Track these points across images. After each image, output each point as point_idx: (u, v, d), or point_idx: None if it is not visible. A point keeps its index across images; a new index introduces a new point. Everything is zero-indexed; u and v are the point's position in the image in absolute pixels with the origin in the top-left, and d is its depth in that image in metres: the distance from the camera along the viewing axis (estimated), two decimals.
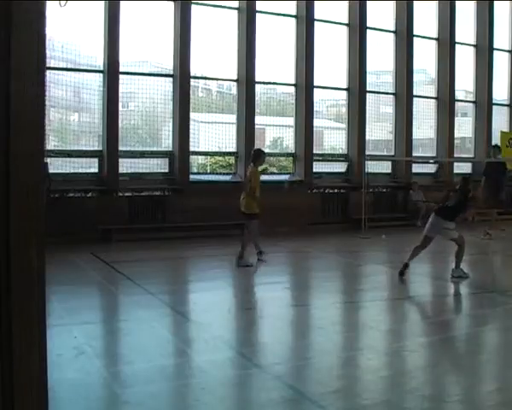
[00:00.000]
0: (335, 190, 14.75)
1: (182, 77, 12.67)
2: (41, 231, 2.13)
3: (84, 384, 4.29)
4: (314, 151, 14.38)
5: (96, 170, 12.29)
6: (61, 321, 5.81)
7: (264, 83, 14.09)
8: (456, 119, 16.80)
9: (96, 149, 12.30)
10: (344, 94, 15.11)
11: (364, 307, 7.09)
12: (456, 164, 16.69)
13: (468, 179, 8.80)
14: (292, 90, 14.35)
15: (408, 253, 8.29)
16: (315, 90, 14.28)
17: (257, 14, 13.41)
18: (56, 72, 11.62)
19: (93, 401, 4.06)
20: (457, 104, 16.99)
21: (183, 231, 12.22)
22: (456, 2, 16.27)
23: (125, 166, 12.43)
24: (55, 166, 11.70)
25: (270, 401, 4.01)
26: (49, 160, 11.13)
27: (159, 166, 13.03)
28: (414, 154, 15.97)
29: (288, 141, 14.66)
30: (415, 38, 15.56)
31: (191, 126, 12.97)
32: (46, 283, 2.18)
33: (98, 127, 12.34)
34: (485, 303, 7.27)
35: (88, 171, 12.37)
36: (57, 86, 11.69)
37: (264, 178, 14.10)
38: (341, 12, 14.73)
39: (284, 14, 14.04)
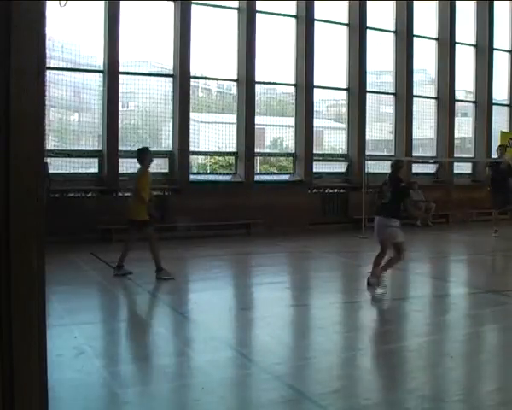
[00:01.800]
0: (335, 190, 14.75)
1: (182, 77, 12.66)
2: (41, 231, 2.13)
3: (84, 384, 4.29)
4: (314, 151, 14.38)
5: (96, 170, 12.28)
6: (61, 321, 5.81)
7: (264, 83, 14.09)
8: (456, 119, 16.80)
9: (96, 149, 12.30)
10: (344, 94, 15.11)
11: (364, 307, 7.09)
12: (456, 164, 16.70)
13: (398, 164, 7.68)
14: (292, 90, 14.35)
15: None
16: (315, 90, 14.28)
17: (257, 14, 13.41)
18: (56, 72, 11.61)
19: (93, 401, 4.05)
20: (457, 104, 16.99)
21: (182, 230, 12.20)
22: (456, 2, 16.27)
23: (125, 166, 12.41)
24: (55, 166, 11.69)
25: (270, 401, 4.01)
26: (49, 160, 11.13)
27: (159, 166, 13.02)
28: (414, 154, 15.97)
29: (288, 141, 14.66)
30: (415, 38, 15.56)
31: (191, 126, 12.96)
32: (46, 283, 2.18)
33: (98, 127, 12.34)
34: (485, 303, 7.27)
35: (88, 171, 12.36)
36: (57, 86, 11.69)
37: (264, 178, 14.22)
38: (341, 12, 14.73)
39: (284, 14, 14.04)
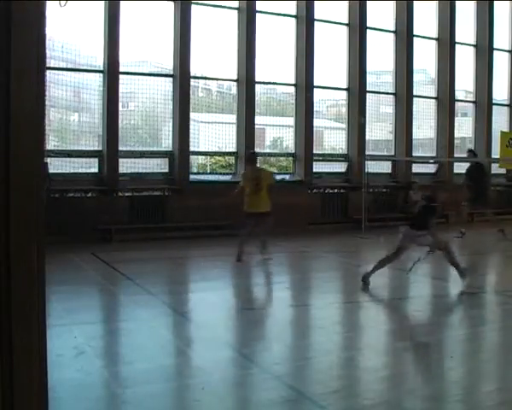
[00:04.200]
0: (335, 190, 14.74)
1: (182, 77, 12.66)
2: (41, 231, 2.13)
3: (84, 384, 4.29)
4: (314, 151, 14.37)
5: (96, 170, 12.28)
6: (61, 321, 5.81)
7: (264, 83, 14.09)
8: (456, 119, 16.80)
9: (96, 149, 12.30)
10: (344, 94, 15.10)
11: (364, 307, 7.09)
12: (456, 164, 16.69)
13: (438, 186, 8.19)
14: (292, 90, 14.34)
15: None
16: (315, 90, 14.28)
17: (257, 14, 13.41)
18: (56, 72, 11.61)
19: (93, 401, 4.05)
20: (457, 104, 16.98)
21: (182, 230, 12.21)
22: (456, 2, 16.27)
23: (125, 166, 12.42)
24: (55, 166, 11.68)
25: (270, 401, 4.01)
26: (49, 160, 11.12)
27: (159, 166, 13.03)
28: (414, 154, 15.97)
29: (288, 141, 14.65)
30: (415, 38, 15.55)
31: (191, 126, 12.96)
32: (46, 283, 2.18)
33: (98, 127, 12.34)
34: (485, 303, 7.27)
35: (88, 171, 12.36)
36: (57, 86, 11.68)
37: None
38: (341, 12, 14.72)
39: (284, 14, 14.04)
